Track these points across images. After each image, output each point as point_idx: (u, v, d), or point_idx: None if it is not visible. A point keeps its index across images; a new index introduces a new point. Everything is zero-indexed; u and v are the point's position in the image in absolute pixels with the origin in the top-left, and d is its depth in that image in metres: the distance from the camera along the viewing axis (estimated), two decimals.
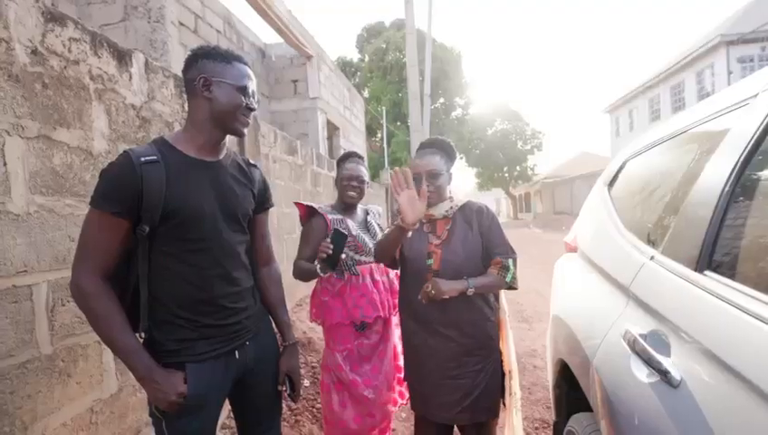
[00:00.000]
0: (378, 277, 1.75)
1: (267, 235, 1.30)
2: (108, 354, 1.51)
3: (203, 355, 1.05)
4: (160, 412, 1.02)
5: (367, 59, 22.65)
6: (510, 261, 1.41)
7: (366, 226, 1.86)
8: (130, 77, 1.67)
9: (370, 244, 1.77)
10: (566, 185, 23.40)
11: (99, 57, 1.51)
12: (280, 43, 7.49)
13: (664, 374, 0.75)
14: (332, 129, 9.02)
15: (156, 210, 0.96)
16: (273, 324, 1.31)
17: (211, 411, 1.08)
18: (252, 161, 1.24)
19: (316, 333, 3.32)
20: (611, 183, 1.62)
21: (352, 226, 1.76)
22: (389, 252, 1.47)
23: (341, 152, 9.63)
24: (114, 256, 0.99)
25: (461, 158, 27.67)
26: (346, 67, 23.61)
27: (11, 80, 1.18)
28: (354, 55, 25.12)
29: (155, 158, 0.97)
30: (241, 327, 1.12)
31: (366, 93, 22.06)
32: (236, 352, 1.11)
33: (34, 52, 1.26)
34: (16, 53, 1.20)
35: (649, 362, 0.80)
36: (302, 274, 1.67)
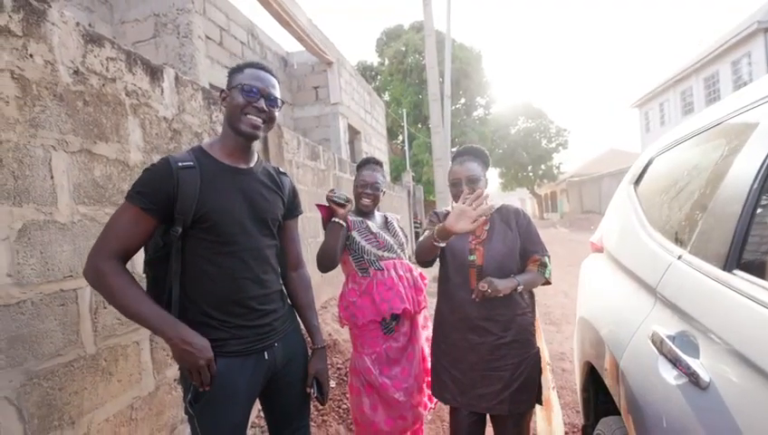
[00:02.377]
0: (401, 273, 1.76)
1: (297, 240, 1.34)
2: (146, 354, 1.59)
3: (233, 354, 1.09)
4: (193, 408, 1.07)
5: (387, 62, 22.74)
6: (546, 258, 1.53)
7: (386, 225, 1.89)
8: (162, 91, 1.76)
9: (391, 241, 1.80)
10: (594, 183, 22.70)
11: (133, 74, 1.60)
12: (301, 51, 7.65)
13: (692, 376, 0.74)
14: (354, 133, 9.11)
15: (189, 213, 1.01)
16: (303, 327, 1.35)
17: (241, 407, 1.11)
18: (282, 169, 1.29)
19: (341, 335, 3.36)
20: (637, 181, 1.58)
21: (372, 225, 1.79)
22: (427, 255, 1.53)
23: (363, 156, 9.67)
24: (133, 249, 1.03)
25: None
26: (366, 71, 23.79)
27: (56, 99, 1.27)
28: (374, 59, 25.31)
29: (191, 163, 1.04)
30: (270, 329, 1.16)
31: (386, 96, 22.14)
32: (266, 353, 1.15)
33: (76, 72, 1.35)
34: (60, 73, 1.29)
35: (677, 363, 0.78)
36: (323, 251, 1.65)
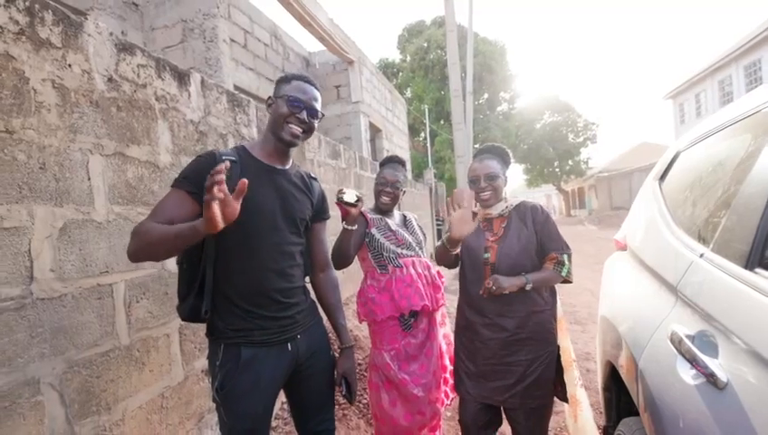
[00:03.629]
0: (420, 270, 1.78)
1: (324, 242, 1.40)
2: (175, 346, 1.68)
3: (258, 344, 1.14)
4: (219, 395, 1.12)
5: (408, 59, 22.63)
6: (565, 256, 1.51)
7: (405, 224, 1.91)
8: (189, 95, 1.84)
9: (410, 238, 1.82)
10: (624, 178, 21.89)
11: (162, 79, 1.68)
12: (323, 50, 7.73)
13: (710, 376, 0.72)
14: (375, 131, 9.14)
15: None
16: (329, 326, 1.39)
17: (264, 396, 1.15)
18: (313, 175, 1.36)
19: (361, 330, 3.41)
20: (663, 177, 1.54)
21: (391, 223, 1.81)
22: (446, 261, 1.62)
23: (385, 153, 9.68)
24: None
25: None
26: (388, 68, 23.76)
27: (92, 105, 1.36)
28: (396, 56, 25.23)
29: (234, 158, 1.13)
30: (293, 321, 1.21)
31: (408, 93, 22.05)
32: (289, 345, 1.20)
33: (110, 79, 1.43)
34: (96, 81, 1.38)
35: (695, 363, 0.77)
36: (335, 251, 1.65)
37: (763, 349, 0.63)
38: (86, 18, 1.37)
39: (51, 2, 1.25)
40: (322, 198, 1.36)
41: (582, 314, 4.65)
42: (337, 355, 1.37)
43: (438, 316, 1.87)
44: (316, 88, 1.24)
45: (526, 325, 1.48)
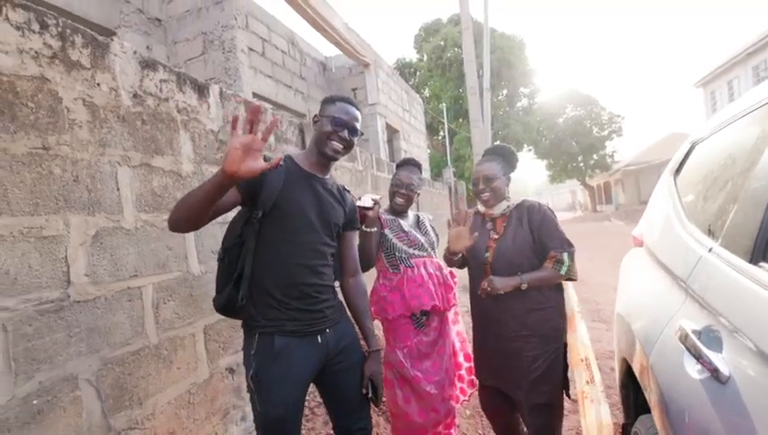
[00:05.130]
0: (431, 271, 1.81)
1: (354, 249, 1.49)
2: (200, 345, 1.76)
3: (290, 333, 1.22)
4: (254, 382, 1.20)
5: (425, 58, 22.56)
6: (565, 254, 1.50)
7: (418, 225, 1.94)
8: (209, 107, 1.93)
9: (422, 239, 1.85)
10: (653, 171, 21.11)
11: (183, 93, 1.77)
12: (339, 55, 7.83)
13: (714, 371, 0.72)
14: (392, 131, 9.18)
15: (269, 200, 1.20)
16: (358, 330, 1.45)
17: (296, 384, 1.23)
18: (346, 187, 1.46)
19: (377, 329, 3.44)
20: (678, 170, 1.51)
21: (404, 224, 1.85)
22: (452, 264, 1.75)
23: (402, 154, 9.69)
24: (214, 210, 1.15)
25: (529, 150, 26.28)
26: (404, 68, 23.74)
27: (119, 120, 1.46)
28: (413, 56, 25.19)
29: (280, 164, 1.25)
30: (323, 315, 1.29)
31: (426, 92, 21.97)
32: (318, 337, 1.28)
33: (135, 95, 1.53)
34: (122, 97, 1.48)
35: (700, 358, 0.77)
36: (361, 249, 1.70)
37: (763, 343, 0.63)
38: (112, 39, 1.47)
39: (80, 26, 1.35)
40: (353, 209, 1.47)
41: (606, 313, 4.54)
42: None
43: (451, 314, 1.89)
44: (357, 108, 1.36)
45: (527, 323, 1.50)
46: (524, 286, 1.46)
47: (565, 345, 1.56)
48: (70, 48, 1.30)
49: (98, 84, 1.39)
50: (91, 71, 1.36)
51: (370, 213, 1.65)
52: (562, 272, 1.48)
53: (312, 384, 1.33)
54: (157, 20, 4.83)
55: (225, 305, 1.26)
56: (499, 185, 1.59)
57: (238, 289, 1.23)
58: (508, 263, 1.52)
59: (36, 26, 1.21)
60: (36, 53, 1.20)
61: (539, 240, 1.53)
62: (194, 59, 4.39)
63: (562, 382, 1.55)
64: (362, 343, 1.43)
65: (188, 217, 1.10)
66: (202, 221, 1.13)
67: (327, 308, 1.30)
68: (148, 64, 1.60)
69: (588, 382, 1.46)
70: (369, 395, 1.35)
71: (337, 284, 1.42)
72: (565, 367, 1.55)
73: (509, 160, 1.65)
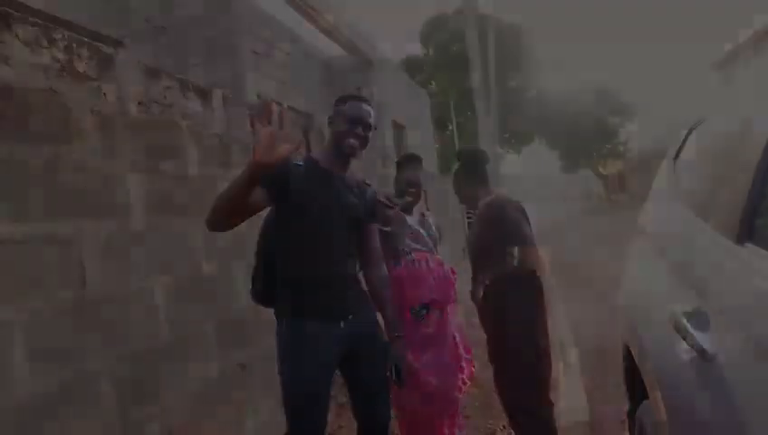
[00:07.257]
0: (432, 266, 1.84)
1: (376, 241, 1.54)
2: (212, 342, 1.83)
3: (314, 317, 1.31)
4: (284, 366, 1.29)
5: (432, 52, 22.42)
6: (515, 249, 1.60)
7: (422, 222, 1.97)
8: (213, 111, 1.99)
9: (425, 236, 1.88)
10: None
11: (187, 99, 1.83)
12: (343, 54, 7.86)
13: (700, 351, 0.74)
14: (398, 128, 9.18)
15: (294, 197, 1.29)
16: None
17: (320, 367, 1.31)
18: (367, 181, 1.53)
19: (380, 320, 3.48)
20: (678, 154, 1.50)
21: (409, 219, 1.88)
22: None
23: (409, 150, 9.64)
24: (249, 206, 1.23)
25: (541, 142, 25.95)
26: (411, 63, 23.65)
27: (126, 128, 1.52)
28: (419, 51, 25.06)
29: (301, 163, 1.36)
30: (346, 304, 1.37)
31: (433, 86, 21.85)
32: (341, 323, 1.35)
33: (140, 103, 1.59)
34: (128, 106, 1.54)
35: (687, 338, 0.78)
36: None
37: (750, 325, 0.65)
38: (116, 50, 1.53)
39: (85, 38, 1.41)
40: (374, 203, 1.52)
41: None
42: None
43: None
44: (368, 104, 1.42)
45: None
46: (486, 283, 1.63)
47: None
48: (77, 60, 1.36)
49: (104, 94, 1.45)
50: (98, 82, 1.42)
51: (391, 213, 1.70)
52: (515, 263, 1.58)
53: (339, 378, 1.41)
54: (162, 27, 4.93)
55: (261, 296, 1.43)
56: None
57: (270, 280, 1.37)
58: (472, 259, 1.74)
59: (44, 41, 1.27)
60: (45, 66, 1.27)
61: (494, 235, 1.66)
62: (199, 65, 4.48)
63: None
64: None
65: (223, 217, 1.20)
66: (238, 219, 1.22)
67: (349, 297, 1.39)
68: (152, 73, 1.66)
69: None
70: (394, 378, 1.40)
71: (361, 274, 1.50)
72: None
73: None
